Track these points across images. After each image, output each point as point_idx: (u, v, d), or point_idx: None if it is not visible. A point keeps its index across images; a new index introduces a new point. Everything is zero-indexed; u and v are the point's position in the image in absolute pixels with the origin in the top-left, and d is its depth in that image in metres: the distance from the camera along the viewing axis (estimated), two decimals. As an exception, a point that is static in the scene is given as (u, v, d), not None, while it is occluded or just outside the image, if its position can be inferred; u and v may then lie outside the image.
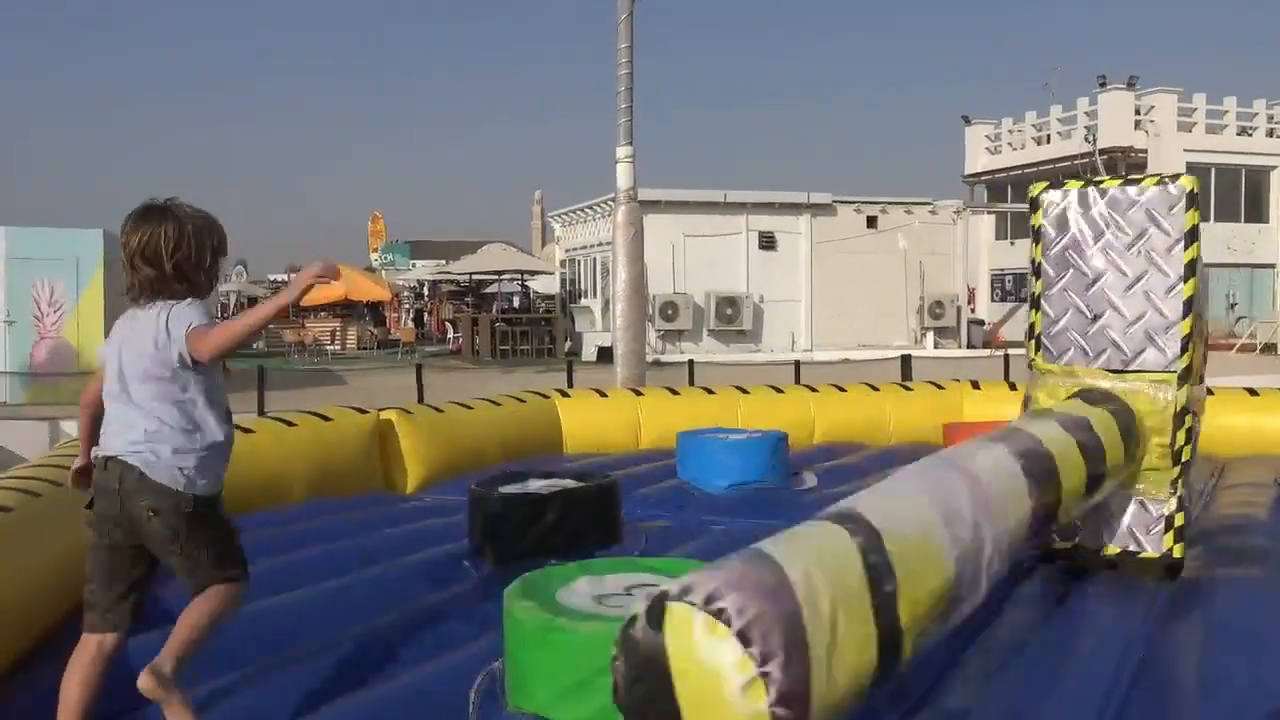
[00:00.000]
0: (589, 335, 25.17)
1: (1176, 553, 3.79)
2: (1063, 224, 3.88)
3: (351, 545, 4.43)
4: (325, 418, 5.89)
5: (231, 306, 42.54)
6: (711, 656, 1.61)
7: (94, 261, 15.25)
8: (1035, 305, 3.97)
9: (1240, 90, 34.05)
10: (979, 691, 2.89)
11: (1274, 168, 33.80)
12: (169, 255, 2.56)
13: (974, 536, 2.30)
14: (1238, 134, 33.74)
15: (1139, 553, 3.83)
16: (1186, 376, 3.74)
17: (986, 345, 26.55)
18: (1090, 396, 3.72)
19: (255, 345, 30.25)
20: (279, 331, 28.76)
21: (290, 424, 5.70)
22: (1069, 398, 3.79)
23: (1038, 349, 3.97)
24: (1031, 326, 4.00)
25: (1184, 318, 3.72)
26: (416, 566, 4.06)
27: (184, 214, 2.62)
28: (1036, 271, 3.96)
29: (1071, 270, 3.87)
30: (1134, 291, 3.77)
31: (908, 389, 8.33)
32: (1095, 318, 3.84)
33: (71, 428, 9.68)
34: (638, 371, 10.94)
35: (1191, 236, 3.72)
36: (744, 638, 1.60)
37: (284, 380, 16.40)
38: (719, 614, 1.61)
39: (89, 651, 2.57)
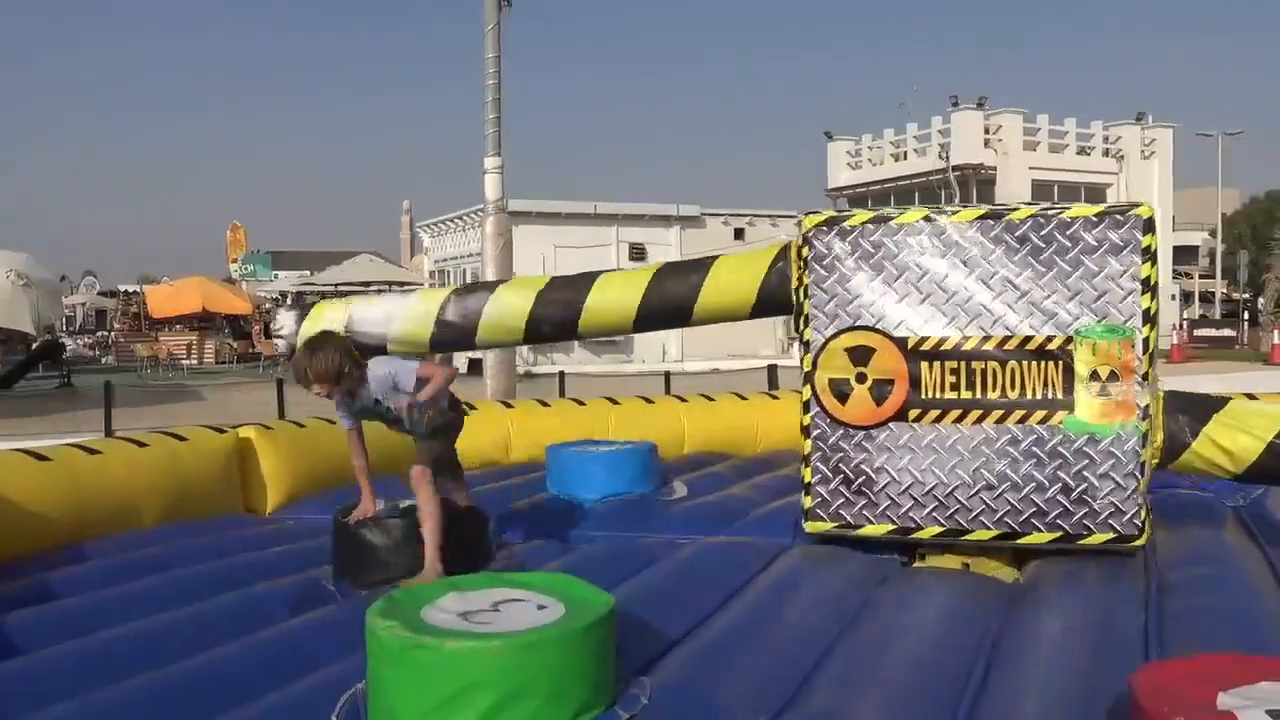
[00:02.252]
0: (459, 347, 24.81)
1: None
2: None
3: (207, 570, 4.26)
4: (180, 437, 5.64)
5: (79, 319, 40.39)
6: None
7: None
8: None
9: (1079, 112, 36.16)
10: (844, 691, 2.97)
11: (1110, 185, 35.94)
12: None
13: None
14: (1077, 153, 35.77)
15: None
16: None
17: (850, 354, 27.31)
18: None
19: (104, 360, 28.74)
20: (130, 345, 27.44)
21: (141, 444, 5.44)
22: None
23: None
24: None
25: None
26: (276, 590, 3.93)
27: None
28: None
29: None
30: None
31: (775, 398, 8.50)
32: None
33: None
34: (508, 383, 10.88)
35: None
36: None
37: (136, 397, 15.66)
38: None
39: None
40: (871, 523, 4.42)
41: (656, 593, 3.85)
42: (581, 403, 7.98)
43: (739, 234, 28.12)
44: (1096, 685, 2.86)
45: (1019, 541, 4.28)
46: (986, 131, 34.35)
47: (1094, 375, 4.13)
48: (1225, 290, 46.05)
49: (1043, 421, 4.20)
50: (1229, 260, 43.97)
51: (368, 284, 28.70)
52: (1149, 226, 4.16)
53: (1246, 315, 37.00)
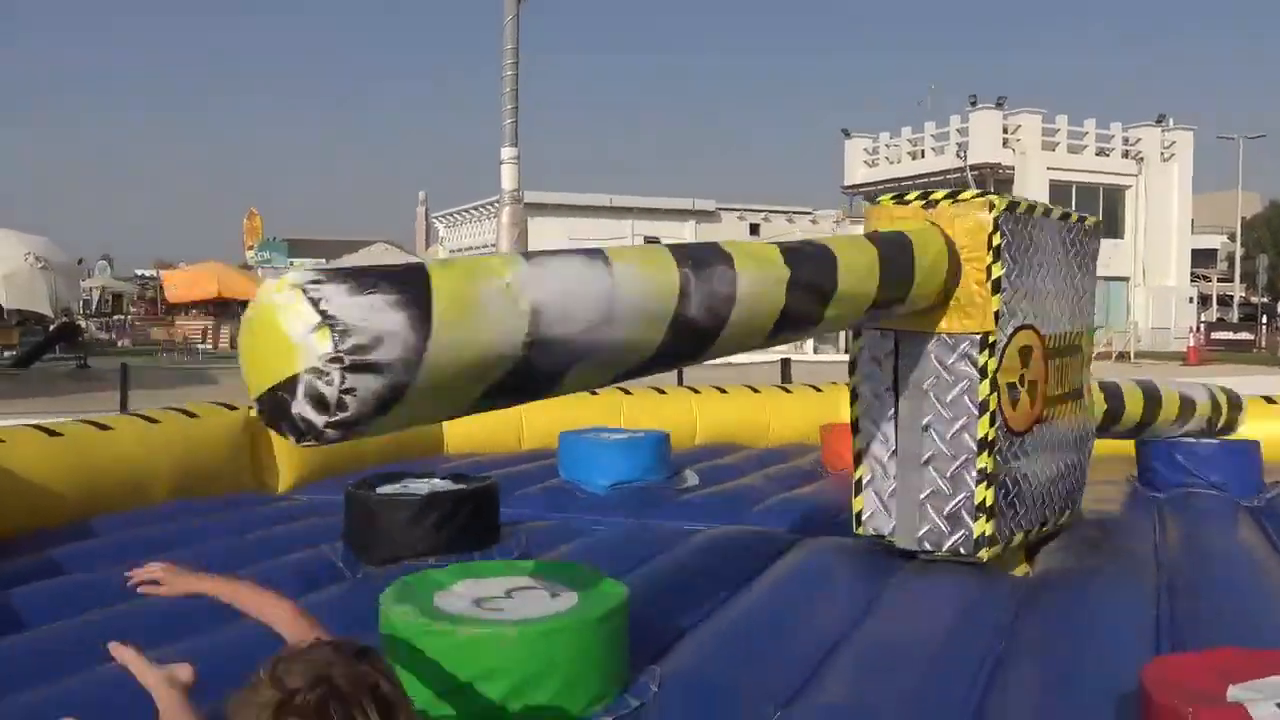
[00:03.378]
0: (472, 337, 24.90)
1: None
2: None
3: (219, 546, 4.27)
4: (191, 414, 5.65)
5: (95, 302, 40.65)
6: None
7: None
8: None
9: (1099, 112, 35.96)
10: (855, 682, 2.95)
11: (1129, 186, 35.73)
12: None
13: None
14: (1096, 154, 35.56)
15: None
16: None
17: (863, 351, 27.25)
18: None
19: (120, 344, 28.90)
20: (145, 329, 27.64)
21: (153, 420, 5.45)
22: None
23: None
24: None
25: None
26: (289, 568, 3.93)
27: None
28: None
29: None
30: None
31: (787, 391, 8.48)
32: None
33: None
34: (521, 373, 10.86)
35: None
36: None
37: (152, 379, 15.73)
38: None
39: None
40: (1014, 532, 4.14)
41: (667, 581, 3.84)
42: (594, 392, 7.95)
43: (754, 229, 28.10)
44: (1106, 679, 2.83)
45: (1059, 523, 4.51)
46: (1005, 131, 34.20)
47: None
48: (1244, 294, 45.76)
49: (1080, 412, 4.60)
50: (1248, 264, 43.69)
51: (382, 272, 28.80)
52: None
53: (1265, 319, 36.76)
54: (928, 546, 4.02)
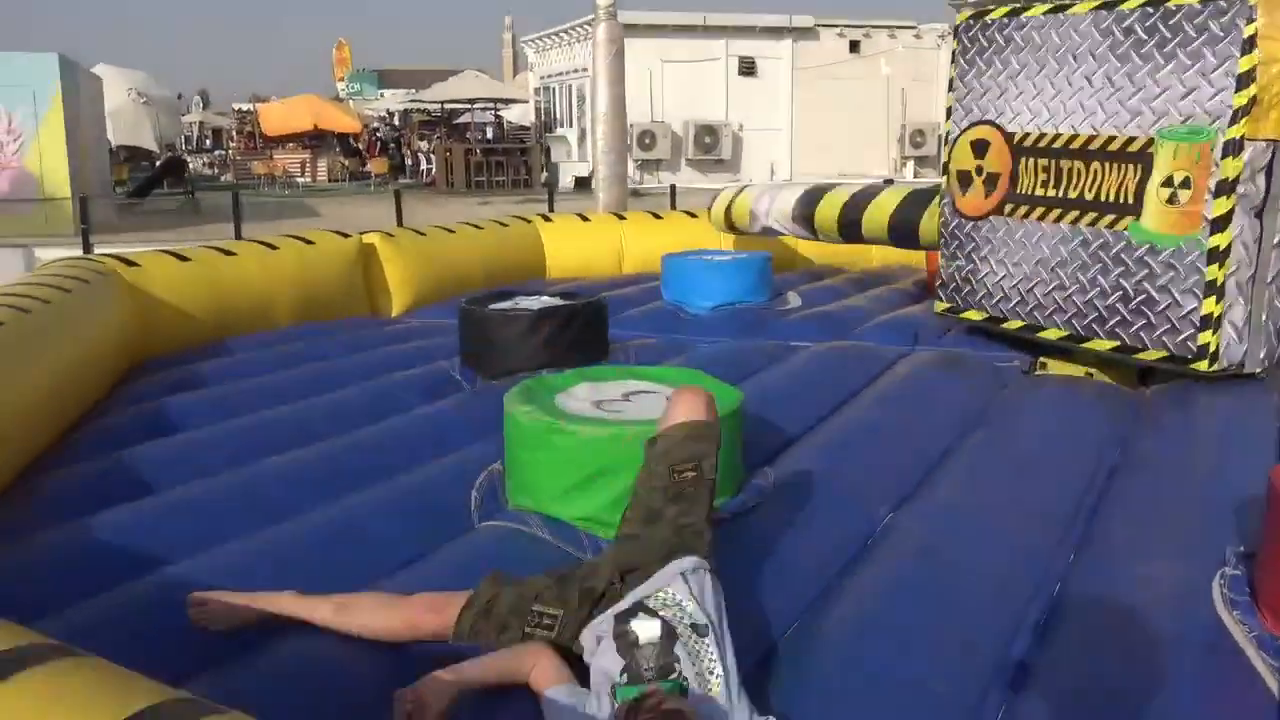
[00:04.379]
0: (565, 165, 24.75)
1: None
2: None
3: (344, 363, 4.47)
4: (307, 241, 5.82)
5: (195, 138, 41.41)
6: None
7: (51, 88, 14.67)
8: None
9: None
10: (966, 486, 3.01)
11: None
12: None
13: None
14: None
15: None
16: None
17: (966, 175, 26.28)
18: None
19: (222, 178, 29.50)
20: (247, 164, 28.16)
21: (272, 247, 5.63)
22: None
23: None
24: None
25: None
26: (410, 380, 4.11)
27: None
28: None
29: None
30: None
31: (890, 213, 8.28)
32: None
33: (44, 254, 9.52)
34: (620, 195, 10.82)
35: None
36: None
37: (255, 212, 16.14)
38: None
39: None
40: (972, 309, 4.67)
41: (775, 391, 3.90)
42: (693, 215, 7.91)
43: (854, 46, 26.83)
44: (1227, 487, 2.82)
45: (1083, 346, 4.21)
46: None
47: (1167, 181, 3.82)
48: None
49: (1111, 226, 3.99)
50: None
51: (473, 101, 28.55)
52: (1253, 14, 3.56)
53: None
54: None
